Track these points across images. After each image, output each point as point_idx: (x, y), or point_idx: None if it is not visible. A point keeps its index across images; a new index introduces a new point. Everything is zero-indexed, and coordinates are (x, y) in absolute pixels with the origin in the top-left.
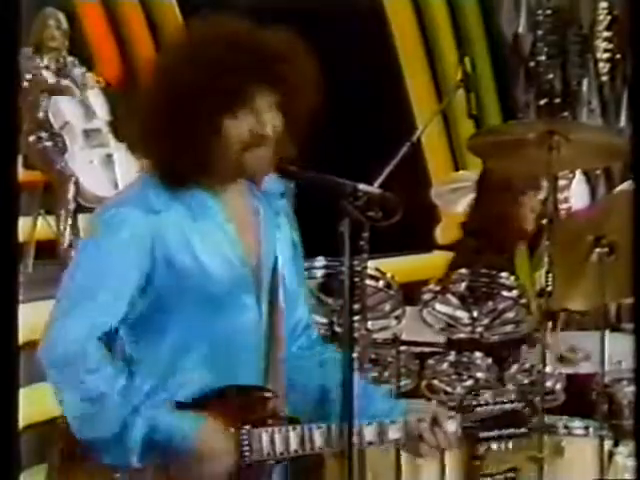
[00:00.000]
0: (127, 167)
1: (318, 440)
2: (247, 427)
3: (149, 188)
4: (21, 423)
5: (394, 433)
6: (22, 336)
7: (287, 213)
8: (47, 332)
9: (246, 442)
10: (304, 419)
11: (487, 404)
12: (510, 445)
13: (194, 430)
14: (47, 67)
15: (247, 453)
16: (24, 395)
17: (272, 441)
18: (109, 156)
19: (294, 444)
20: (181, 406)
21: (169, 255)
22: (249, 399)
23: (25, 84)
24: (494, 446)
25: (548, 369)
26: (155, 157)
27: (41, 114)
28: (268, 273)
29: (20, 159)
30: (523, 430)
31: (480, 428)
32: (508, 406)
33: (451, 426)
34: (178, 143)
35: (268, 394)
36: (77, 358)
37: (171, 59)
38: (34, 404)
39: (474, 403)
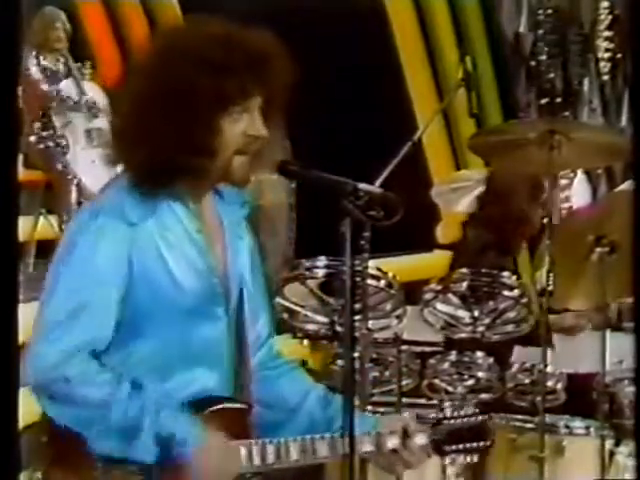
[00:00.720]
0: None
1: (294, 453)
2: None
3: (125, 198)
4: (21, 423)
5: (365, 446)
6: (22, 336)
7: (245, 223)
8: (29, 353)
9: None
10: (267, 432)
11: (452, 417)
12: (475, 458)
13: (200, 440)
14: (49, 67)
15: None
16: (24, 395)
17: (250, 454)
18: None
19: (271, 457)
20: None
21: (144, 268)
22: (226, 411)
23: (27, 84)
24: (460, 459)
25: (549, 368)
26: (141, 157)
27: (43, 114)
28: (235, 283)
29: (21, 158)
30: (486, 443)
31: (446, 441)
32: (473, 419)
33: (421, 439)
34: (175, 144)
35: (244, 406)
36: (67, 379)
37: (167, 60)
38: (34, 404)
39: (440, 416)
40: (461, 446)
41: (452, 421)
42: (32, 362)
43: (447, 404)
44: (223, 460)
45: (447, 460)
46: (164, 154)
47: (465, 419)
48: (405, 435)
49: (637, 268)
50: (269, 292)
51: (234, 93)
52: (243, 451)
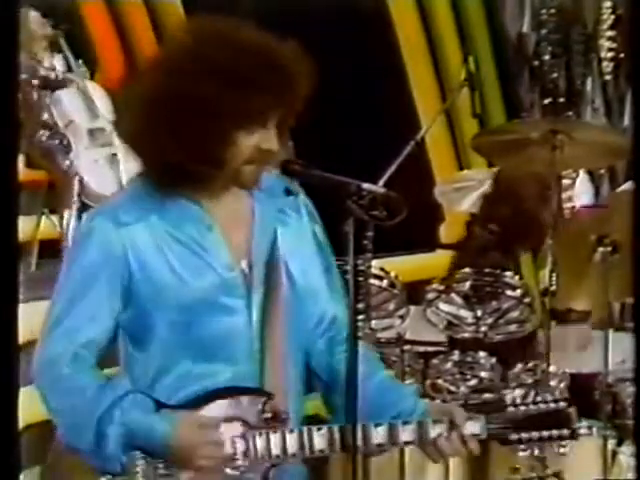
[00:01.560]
0: (132, 167)
1: (319, 443)
2: (241, 430)
3: (123, 199)
4: (21, 423)
5: (406, 435)
6: (25, 335)
7: (297, 209)
8: (35, 353)
9: (241, 445)
10: (334, 414)
11: (522, 404)
12: (558, 448)
13: (171, 428)
14: (51, 67)
15: (241, 456)
16: (24, 395)
17: (268, 444)
18: (114, 155)
19: (292, 447)
20: (173, 409)
21: (144, 265)
22: (244, 401)
23: (29, 84)
24: (534, 449)
25: (552, 368)
26: (152, 158)
27: (45, 113)
28: (262, 272)
29: (23, 158)
30: (566, 432)
31: (511, 430)
32: (548, 406)
33: (473, 428)
34: (186, 151)
35: (263, 396)
36: (55, 376)
37: (192, 63)
38: (34, 404)
39: (505, 403)
40: (533, 435)
41: (516, 408)
42: (34, 359)
43: (516, 392)
44: (200, 439)
45: (519, 452)
46: (174, 158)
47: (538, 405)
48: (452, 425)
49: (637, 269)
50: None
51: (258, 111)
52: (260, 441)
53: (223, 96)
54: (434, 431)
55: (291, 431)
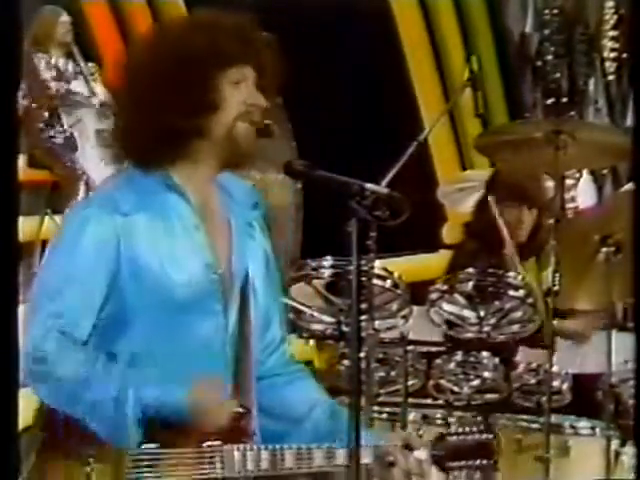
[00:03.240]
0: None
1: (289, 460)
2: (218, 442)
3: (119, 189)
4: (21, 423)
5: (365, 457)
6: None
7: (261, 225)
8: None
9: (218, 458)
10: (271, 437)
11: (456, 434)
12: (478, 476)
13: (186, 396)
14: (59, 66)
15: (219, 470)
16: (24, 395)
17: (244, 459)
18: None
19: (265, 463)
20: (153, 420)
21: (135, 258)
22: None
23: (35, 82)
24: (462, 476)
25: (555, 369)
26: (144, 126)
27: (52, 112)
28: (239, 283)
29: (27, 158)
30: (490, 461)
31: (448, 458)
32: (477, 436)
33: (422, 454)
34: (175, 104)
35: (241, 410)
36: (44, 358)
37: (161, 37)
38: (34, 404)
39: (445, 432)
40: (463, 463)
41: (455, 437)
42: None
43: (452, 420)
44: (216, 400)
45: (450, 477)
46: (166, 119)
47: (469, 436)
48: (406, 449)
49: (637, 269)
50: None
51: (227, 51)
52: (237, 455)
53: (192, 42)
54: (390, 455)
55: (266, 448)
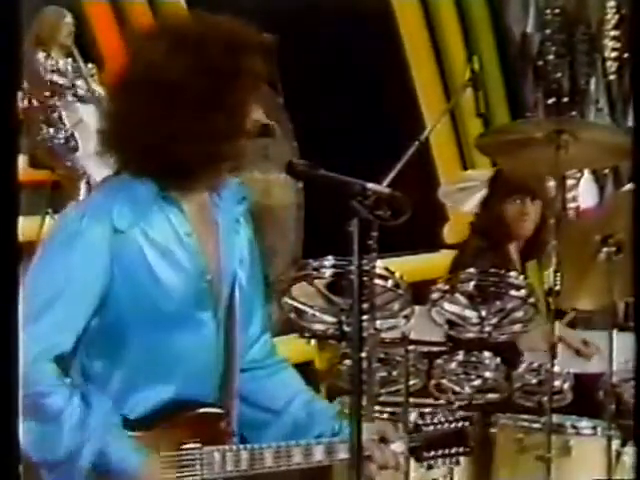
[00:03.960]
0: None
1: (268, 460)
2: (199, 445)
3: (113, 203)
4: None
5: (341, 452)
6: None
7: (246, 217)
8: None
9: (198, 460)
10: (250, 431)
11: (431, 424)
12: (454, 465)
13: (140, 462)
14: (58, 67)
15: (198, 471)
16: None
17: (224, 460)
18: None
19: (244, 463)
20: (131, 423)
21: (128, 272)
22: (200, 416)
23: (37, 80)
24: (438, 464)
25: (556, 368)
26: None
27: (53, 112)
28: (227, 286)
29: (27, 158)
30: (465, 449)
31: (425, 448)
32: (452, 425)
33: (398, 446)
34: (208, 128)
35: (219, 411)
36: (30, 382)
37: (191, 43)
38: None
39: (420, 422)
40: (440, 452)
41: (430, 427)
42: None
43: (427, 410)
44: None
45: (425, 466)
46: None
47: (444, 425)
48: (382, 442)
49: (637, 269)
50: (266, 287)
51: (262, 72)
52: (217, 456)
53: (233, 64)
54: (367, 448)
55: (245, 448)
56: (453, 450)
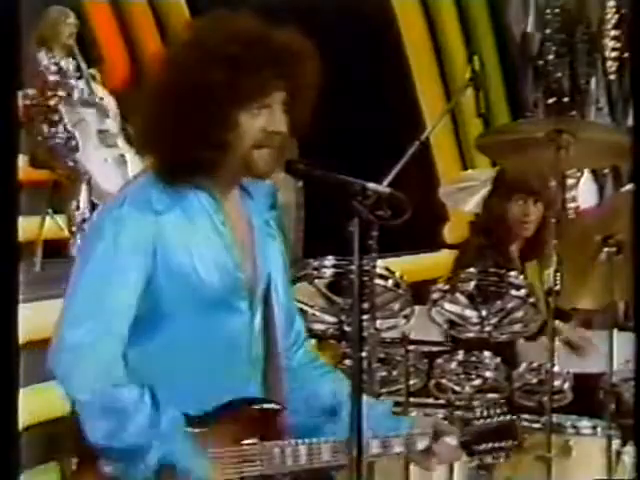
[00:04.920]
0: (140, 166)
1: (326, 454)
2: (258, 441)
3: (151, 188)
4: (21, 424)
5: (398, 447)
6: (28, 335)
7: (278, 224)
8: (58, 339)
9: (258, 455)
10: (306, 431)
11: (482, 417)
12: (502, 459)
13: (204, 464)
14: (60, 67)
15: (259, 467)
16: (24, 395)
17: (283, 455)
18: (122, 156)
19: (303, 458)
20: (191, 420)
21: (168, 257)
22: (259, 412)
23: (38, 78)
24: (488, 459)
25: (556, 368)
26: (162, 153)
27: (54, 112)
28: (262, 282)
29: (28, 158)
30: (515, 442)
31: (476, 441)
32: (501, 419)
33: (452, 440)
34: (191, 138)
35: (277, 407)
36: (100, 369)
37: (184, 55)
38: (34, 404)
39: (472, 416)
40: (490, 445)
41: (481, 421)
42: (62, 342)
43: (476, 403)
44: None
45: (476, 460)
46: (182, 149)
47: (494, 419)
48: (436, 436)
49: (637, 269)
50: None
51: (251, 90)
52: (277, 451)
53: (211, 77)
54: (421, 443)
55: (303, 443)
56: (503, 443)
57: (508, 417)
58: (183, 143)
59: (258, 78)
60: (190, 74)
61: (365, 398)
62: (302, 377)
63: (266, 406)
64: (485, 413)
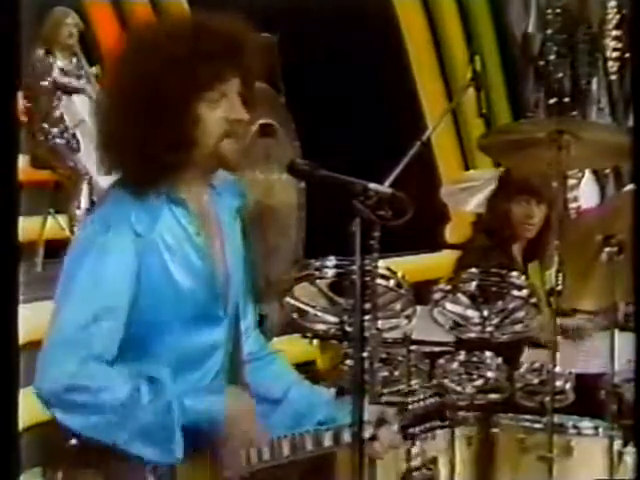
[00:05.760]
0: None
1: (286, 449)
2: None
3: (130, 208)
4: (21, 424)
5: (345, 437)
6: (29, 335)
7: (240, 213)
8: (41, 363)
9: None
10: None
11: (416, 401)
12: (435, 439)
13: (225, 410)
14: (62, 68)
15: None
16: (24, 395)
17: (247, 454)
18: None
19: (266, 455)
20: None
21: (150, 278)
22: None
23: (39, 84)
24: (420, 439)
25: (558, 369)
26: (128, 159)
27: (55, 112)
28: (235, 284)
29: (30, 158)
30: (445, 423)
31: (410, 425)
32: (432, 401)
33: (393, 426)
34: (156, 140)
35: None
36: (86, 387)
37: (137, 57)
38: (34, 405)
39: (407, 401)
40: (423, 427)
41: (416, 405)
42: (47, 371)
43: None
44: (250, 420)
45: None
46: (149, 152)
47: (425, 402)
48: (380, 423)
49: (637, 269)
50: (257, 283)
51: (204, 79)
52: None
53: (164, 76)
54: (367, 431)
55: (285, 436)
56: (433, 424)
57: (436, 399)
58: (148, 147)
59: (208, 68)
60: (143, 77)
61: (312, 387)
62: (251, 367)
63: None
64: (417, 397)
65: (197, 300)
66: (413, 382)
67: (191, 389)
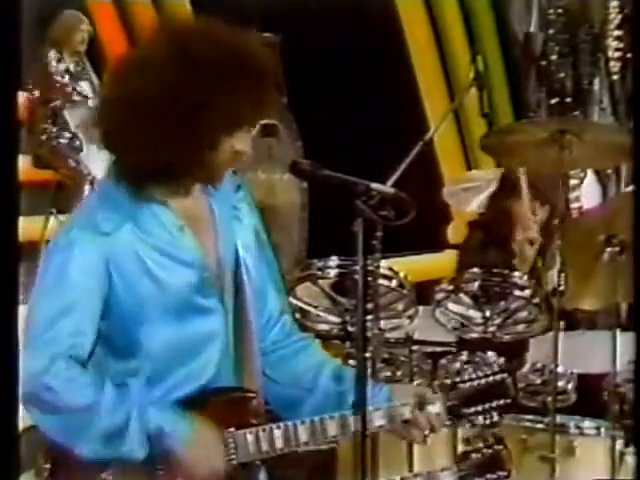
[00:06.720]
0: None
1: (303, 436)
2: (231, 429)
3: (97, 211)
4: (21, 423)
5: (379, 420)
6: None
7: (248, 203)
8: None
9: (232, 444)
10: (286, 410)
11: (470, 380)
12: (495, 418)
13: (189, 433)
14: (68, 70)
15: (233, 455)
16: None
17: (257, 441)
18: None
19: (279, 442)
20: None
21: (125, 275)
22: (231, 401)
23: (43, 84)
24: (480, 420)
25: (560, 369)
26: (135, 157)
27: (58, 112)
28: (230, 272)
29: (32, 158)
30: (507, 401)
31: (463, 405)
32: (491, 379)
33: (436, 407)
34: (172, 152)
35: (249, 394)
36: (50, 387)
37: (172, 66)
38: None
39: (456, 380)
40: (480, 407)
41: (468, 384)
42: (21, 371)
43: (467, 367)
44: (213, 451)
45: (466, 423)
46: (158, 159)
47: (482, 380)
48: (419, 405)
49: (637, 269)
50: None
51: (250, 118)
52: (250, 438)
53: (214, 100)
54: (404, 413)
55: (278, 427)
56: (494, 404)
57: (499, 376)
58: (161, 154)
59: (258, 106)
60: (182, 89)
61: (345, 369)
62: (277, 356)
63: (237, 394)
64: (474, 375)
65: (182, 292)
66: (415, 382)
67: (159, 401)
